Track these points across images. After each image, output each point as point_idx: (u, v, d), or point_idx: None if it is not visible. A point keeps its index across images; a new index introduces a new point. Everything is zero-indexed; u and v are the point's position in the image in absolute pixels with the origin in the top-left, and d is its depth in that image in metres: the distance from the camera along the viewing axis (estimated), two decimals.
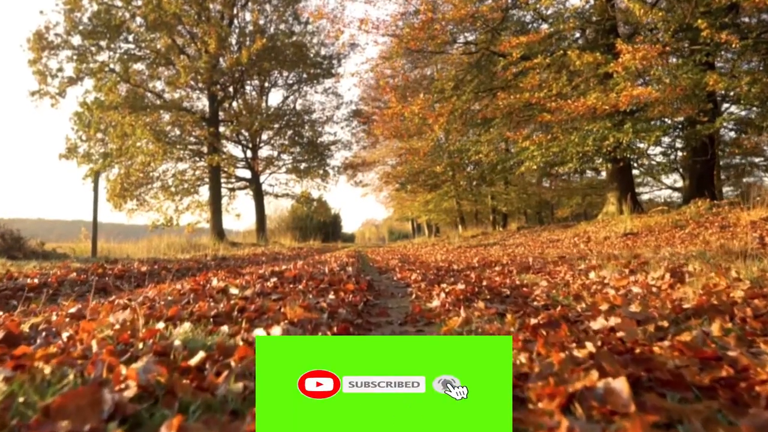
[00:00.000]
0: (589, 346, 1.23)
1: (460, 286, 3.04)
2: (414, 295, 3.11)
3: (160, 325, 1.57)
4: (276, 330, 1.51)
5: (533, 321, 1.74)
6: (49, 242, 15.56)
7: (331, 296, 2.65)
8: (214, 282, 3.20)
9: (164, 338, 1.41)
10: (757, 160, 26.18)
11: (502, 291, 3.06)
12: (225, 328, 1.62)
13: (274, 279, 3.45)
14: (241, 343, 1.39)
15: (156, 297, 2.60)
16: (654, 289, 2.61)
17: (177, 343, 1.31)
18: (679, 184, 24.49)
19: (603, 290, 2.73)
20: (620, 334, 1.52)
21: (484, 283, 3.58)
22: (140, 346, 1.33)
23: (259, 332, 1.50)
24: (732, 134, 22.23)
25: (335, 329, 1.76)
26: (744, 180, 28.56)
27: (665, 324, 1.61)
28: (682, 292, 2.38)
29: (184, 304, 2.29)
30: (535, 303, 2.52)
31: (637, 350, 1.34)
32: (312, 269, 4.42)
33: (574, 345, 1.40)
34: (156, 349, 1.26)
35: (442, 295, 2.63)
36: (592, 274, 3.51)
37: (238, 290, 2.75)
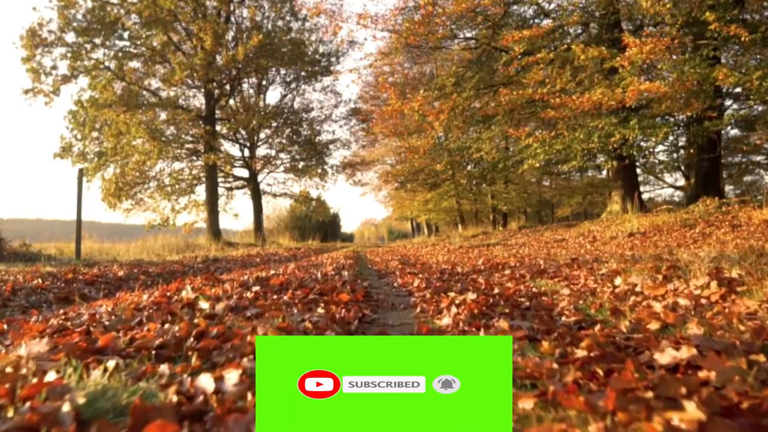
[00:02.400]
0: (691, 409, 0.83)
1: (472, 296, 2.62)
2: (418, 308, 2.68)
3: (51, 376, 1.11)
4: (231, 375, 1.10)
5: (579, 352, 1.34)
6: (43, 242, 15.17)
7: (320, 310, 2.23)
8: (184, 293, 2.77)
9: (59, 394, 0.99)
10: (757, 158, 25.89)
11: (520, 301, 2.65)
12: (164, 370, 1.20)
13: (256, 288, 3.02)
14: (174, 398, 0.98)
15: (106, 313, 2.18)
16: (703, 301, 2.21)
17: (66, 409, 0.89)
18: (680, 182, 24.17)
19: (642, 302, 2.32)
20: (705, 374, 1.12)
21: (496, 290, 3.17)
22: (9, 413, 0.91)
23: (204, 380, 1.08)
24: (734, 132, 21.86)
25: None
26: (745, 178, 28.34)
27: (760, 358, 1.21)
28: (744, 306, 1.97)
29: (133, 325, 1.88)
30: (564, 318, 2.11)
31: (745, 404, 0.94)
32: (303, 274, 3.98)
33: (650, 395, 1.00)
34: (29, 420, 0.85)
35: (453, 308, 2.21)
36: (618, 280, 3.10)
37: (208, 304, 2.33)
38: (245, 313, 2.15)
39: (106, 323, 1.90)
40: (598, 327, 1.79)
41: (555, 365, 1.20)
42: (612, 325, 1.90)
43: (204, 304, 2.32)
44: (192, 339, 1.56)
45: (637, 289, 2.74)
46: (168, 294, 2.75)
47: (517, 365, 1.24)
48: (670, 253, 6.12)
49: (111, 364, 1.21)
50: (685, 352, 1.25)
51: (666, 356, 1.27)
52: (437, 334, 1.79)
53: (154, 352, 1.43)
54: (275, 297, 2.68)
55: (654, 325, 1.76)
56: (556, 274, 4.12)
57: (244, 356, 1.36)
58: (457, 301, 2.47)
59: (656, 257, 4.47)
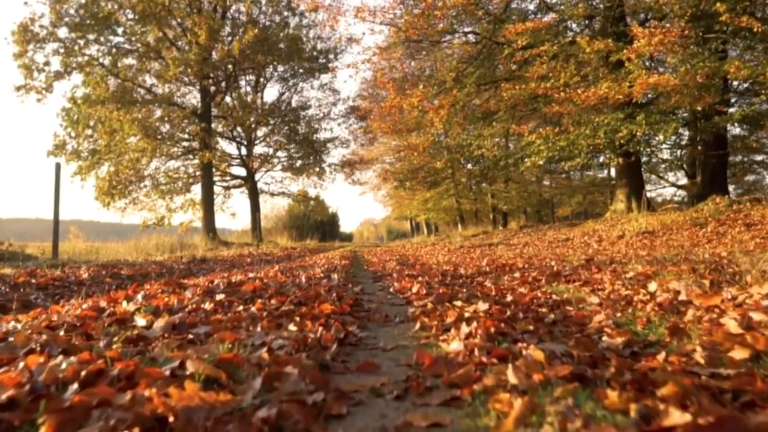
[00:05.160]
0: None
1: (483, 306, 2.16)
2: (418, 323, 2.17)
3: None
4: None
5: (673, 413, 0.86)
6: (33, 242, 14.68)
7: (293, 327, 1.75)
8: (125, 304, 2.28)
9: None
10: (759, 157, 25.61)
11: (541, 312, 2.18)
12: None
13: (222, 295, 2.54)
14: None
15: (6, 334, 1.69)
16: None
17: None
18: (682, 181, 23.77)
19: (704, 317, 1.84)
20: None
21: (509, 297, 2.69)
22: None
23: None
24: (738, 130, 21.38)
25: None
26: (746, 178, 28.13)
27: None
28: None
29: (21, 355, 1.40)
30: (606, 339, 1.63)
31: None
32: (285, 278, 3.49)
33: None
34: None
35: (463, 327, 1.71)
36: (652, 286, 2.63)
37: (146, 320, 1.85)
38: (189, 333, 1.67)
39: None
40: (662, 355, 1.32)
41: None
42: (674, 349, 1.43)
43: (142, 321, 1.84)
44: (77, 385, 1.06)
45: (682, 297, 2.27)
46: (102, 306, 2.25)
47: None
48: (688, 253, 5.65)
49: None
50: None
51: None
52: (444, 367, 1.31)
53: None
54: (241, 308, 2.20)
55: (740, 353, 1.29)
56: (574, 277, 3.65)
57: (137, 424, 0.86)
58: (466, 315, 1.99)
59: (684, 258, 4.00)
